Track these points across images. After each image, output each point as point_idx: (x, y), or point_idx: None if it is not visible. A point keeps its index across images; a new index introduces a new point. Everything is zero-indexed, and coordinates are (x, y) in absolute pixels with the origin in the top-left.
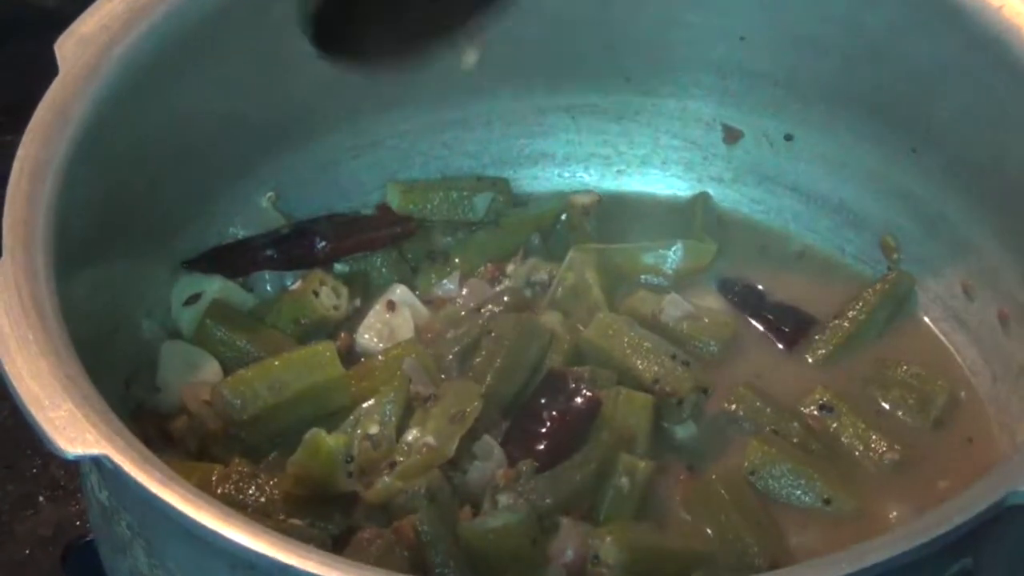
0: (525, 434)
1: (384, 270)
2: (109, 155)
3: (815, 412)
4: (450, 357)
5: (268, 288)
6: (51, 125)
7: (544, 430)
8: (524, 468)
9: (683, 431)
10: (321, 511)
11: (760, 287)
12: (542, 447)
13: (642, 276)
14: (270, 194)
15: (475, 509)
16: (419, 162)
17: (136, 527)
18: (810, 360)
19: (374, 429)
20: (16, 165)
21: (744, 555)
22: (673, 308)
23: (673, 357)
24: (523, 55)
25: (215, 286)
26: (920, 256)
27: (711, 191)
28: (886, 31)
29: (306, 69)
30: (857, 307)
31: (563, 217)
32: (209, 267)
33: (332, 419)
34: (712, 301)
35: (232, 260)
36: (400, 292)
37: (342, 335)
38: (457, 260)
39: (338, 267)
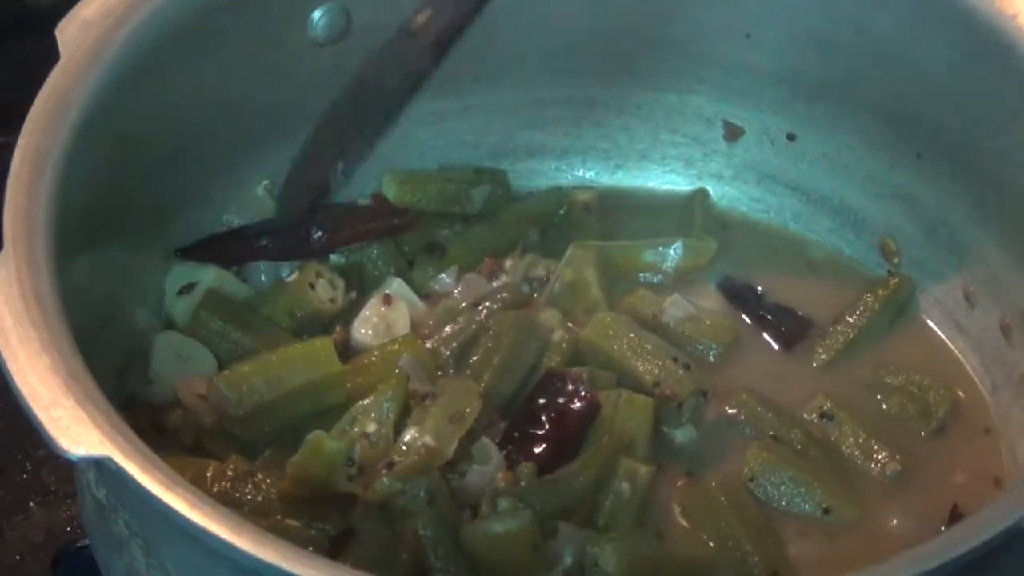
0: (523, 436)
1: (380, 262)
2: (108, 142)
3: (816, 419)
4: (447, 354)
5: (263, 278)
6: (52, 113)
7: (542, 432)
8: (525, 471)
9: (682, 435)
10: (318, 511)
11: (759, 288)
12: (540, 449)
13: (641, 274)
14: (266, 182)
15: (473, 511)
16: (416, 152)
17: (134, 526)
18: (811, 365)
19: (371, 427)
20: (16, 154)
21: (743, 563)
22: (675, 309)
23: (674, 359)
24: (523, 46)
25: (209, 276)
26: (921, 260)
27: (710, 188)
28: (895, 33)
29: (305, 57)
30: (858, 312)
31: (562, 212)
32: (204, 256)
33: (328, 416)
34: (711, 301)
35: (227, 249)
36: (396, 286)
37: (337, 329)
38: (454, 253)
39: (333, 258)
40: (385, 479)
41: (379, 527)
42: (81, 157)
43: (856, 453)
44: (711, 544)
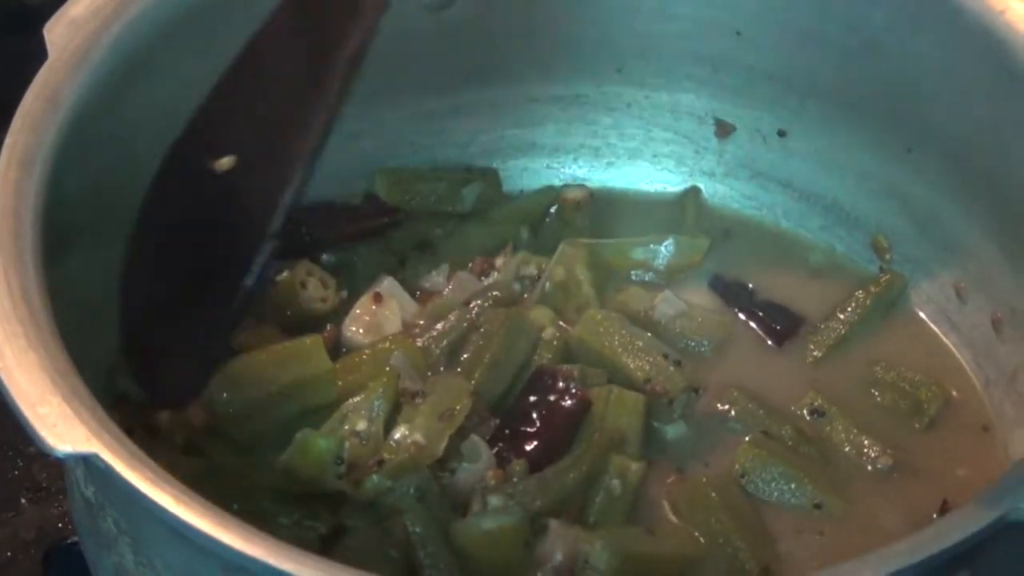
0: (514, 433)
1: (371, 261)
2: (98, 141)
3: (807, 415)
4: (438, 352)
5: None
6: (40, 112)
7: (533, 430)
8: (517, 468)
9: (673, 431)
10: (309, 509)
11: (750, 285)
12: (531, 447)
13: (633, 272)
14: None
15: (463, 510)
16: (407, 151)
17: (123, 524)
18: (804, 361)
19: (362, 425)
20: (4, 153)
21: (734, 559)
22: (666, 306)
23: (665, 356)
24: (514, 44)
25: None
26: (912, 257)
27: (702, 186)
28: (885, 29)
29: None
30: (850, 308)
31: (553, 211)
32: None
33: (318, 414)
34: (703, 298)
35: None
36: (387, 284)
37: (328, 328)
38: (445, 252)
39: (325, 257)
40: (375, 477)
41: (369, 525)
42: (70, 156)
43: (847, 448)
44: (702, 540)
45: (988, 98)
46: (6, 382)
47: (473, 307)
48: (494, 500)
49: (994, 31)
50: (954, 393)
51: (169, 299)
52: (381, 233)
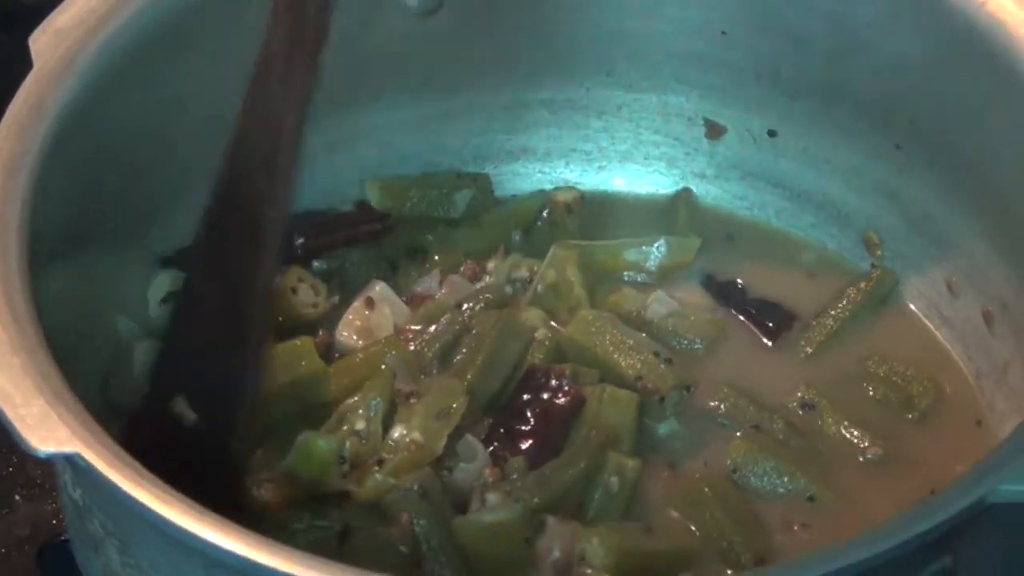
0: (509, 432)
1: (362, 267)
2: (84, 150)
3: (797, 409)
4: (430, 355)
5: None
6: (25, 120)
7: (528, 428)
8: (515, 466)
9: (665, 428)
10: (318, 510)
11: (741, 283)
12: (526, 445)
13: (625, 273)
14: None
15: (464, 508)
16: (398, 157)
17: (109, 526)
18: (796, 357)
19: (361, 425)
20: None
21: (729, 552)
22: (659, 305)
23: (656, 354)
24: (503, 49)
25: None
26: (904, 253)
27: (693, 187)
28: (870, 26)
29: None
30: (841, 304)
31: (544, 214)
32: (186, 264)
33: (314, 415)
34: (696, 297)
35: None
36: (380, 289)
37: (320, 333)
38: (437, 257)
39: (316, 264)
40: (378, 475)
41: (374, 523)
42: (56, 164)
43: (837, 439)
44: (697, 535)
45: (974, 93)
46: None
47: (465, 310)
48: (492, 497)
49: (977, 24)
50: (947, 388)
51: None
52: (372, 239)
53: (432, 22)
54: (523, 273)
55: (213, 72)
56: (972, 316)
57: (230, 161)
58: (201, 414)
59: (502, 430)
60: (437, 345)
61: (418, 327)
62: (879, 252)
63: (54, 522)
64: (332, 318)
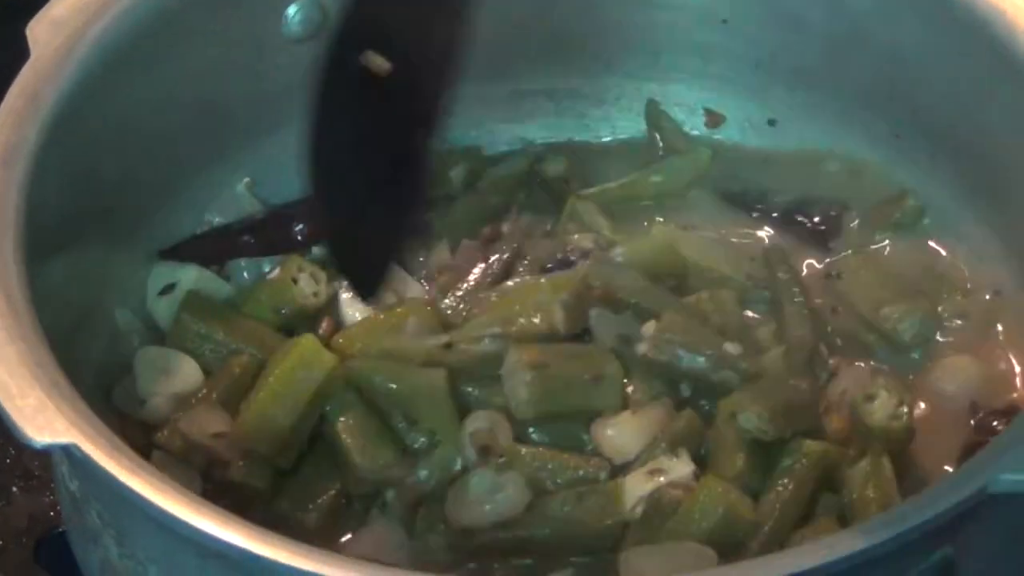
0: None
1: None
2: (81, 140)
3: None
4: (461, 307)
5: (245, 275)
6: (22, 110)
7: None
8: None
9: None
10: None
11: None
12: None
13: (646, 193)
14: (246, 180)
15: None
16: None
17: (106, 517)
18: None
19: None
20: None
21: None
22: None
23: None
24: (502, 38)
25: (190, 275)
26: None
27: None
28: (869, 13)
29: (282, 53)
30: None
31: (541, 173)
32: (185, 256)
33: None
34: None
35: (209, 248)
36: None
37: (325, 322)
38: (441, 230)
39: (316, 250)
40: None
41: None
42: (53, 154)
43: None
44: None
45: (974, 81)
46: None
47: (493, 261)
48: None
49: (976, 11)
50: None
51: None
52: None
53: None
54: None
55: (211, 62)
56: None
57: None
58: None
59: None
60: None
61: (434, 298)
62: None
63: (52, 514)
64: (333, 306)
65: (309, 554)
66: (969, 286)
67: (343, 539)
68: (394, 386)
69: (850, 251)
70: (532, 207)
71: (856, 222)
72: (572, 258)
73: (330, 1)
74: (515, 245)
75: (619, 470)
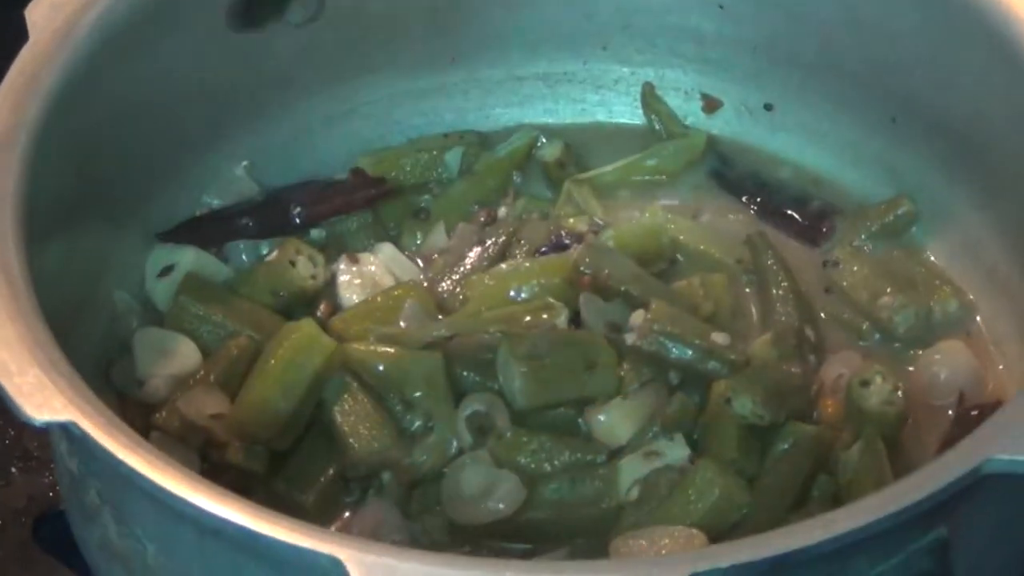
0: None
1: (360, 234)
2: (80, 123)
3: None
4: (457, 291)
5: (244, 258)
6: (21, 91)
7: None
8: None
9: None
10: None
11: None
12: None
13: (640, 177)
14: (245, 163)
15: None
16: (395, 131)
17: (105, 495)
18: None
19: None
20: None
21: None
22: None
23: None
24: (500, 23)
25: (189, 257)
26: None
27: None
28: None
29: (281, 37)
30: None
31: (537, 157)
32: (184, 238)
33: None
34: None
35: (207, 230)
36: (388, 250)
37: (322, 304)
38: (438, 213)
39: (314, 233)
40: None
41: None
42: (51, 136)
43: None
44: None
45: (969, 66)
46: None
47: (489, 244)
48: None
49: None
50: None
51: None
52: (369, 205)
53: None
54: (535, 215)
55: (209, 45)
56: (967, 286)
57: None
58: None
59: None
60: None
61: (435, 280)
62: None
63: (51, 494)
64: (331, 289)
65: (306, 531)
66: (960, 278)
67: (340, 520)
68: (391, 369)
69: (846, 244)
70: (529, 191)
71: (848, 222)
72: (566, 241)
73: None
74: (511, 228)
75: (615, 455)
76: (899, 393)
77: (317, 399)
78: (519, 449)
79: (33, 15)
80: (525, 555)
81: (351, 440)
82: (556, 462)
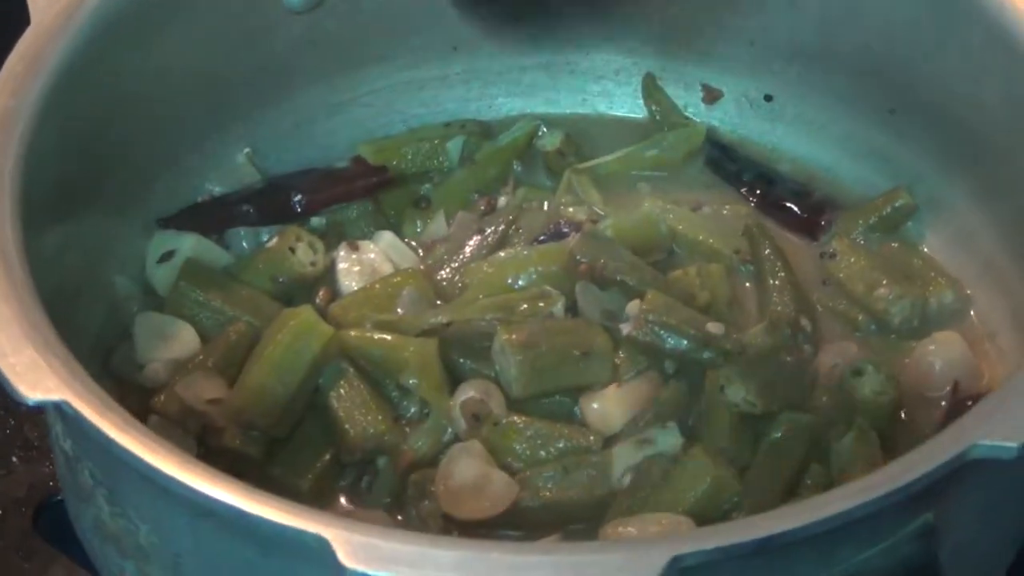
0: None
1: (361, 222)
2: (81, 107)
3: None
4: (456, 279)
5: (244, 244)
6: (21, 76)
7: None
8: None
9: None
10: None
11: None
12: None
13: (640, 167)
14: (247, 150)
15: None
16: (397, 119)
17: (98, 475)
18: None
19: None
20: None
21: None
22: None
23: None
24: (502, 13)
25: (189, 243)
26: None
27: None
28: None
29: (283, 25)
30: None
31: (538, 147)
32: (185, 224)
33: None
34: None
35: (208, 217)
36: (388, 238)
37: (322, 291)
38: (438, 201)
39: (314, 220)
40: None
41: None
42: (52, 120)
43: None
44: None
45: (967, 57)
46: None
47: (488, 233)
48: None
49: None
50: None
51: None
52: (370, 194)
53: None
54: (535, 204)
55: (212, 32)
56: (963, 278)
57: None
58: None
59: None
60: (458, 277)
61: (434, 267)
62: None
63: (51, 484)
64: (330, 276)
65: (294, 511)
66: (956, 270)
67: (336, 506)
68: (387, 356)
69: (843, 236)
70: (529, 180)
71: (847, 215)
72: (565, 230)
73: None
74: (511, 217)
75: (609, 443)
76: (891, 383)
77: (315, 385)
78: (514, 436)
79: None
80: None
81: (347, 426)
82: (551, 449)
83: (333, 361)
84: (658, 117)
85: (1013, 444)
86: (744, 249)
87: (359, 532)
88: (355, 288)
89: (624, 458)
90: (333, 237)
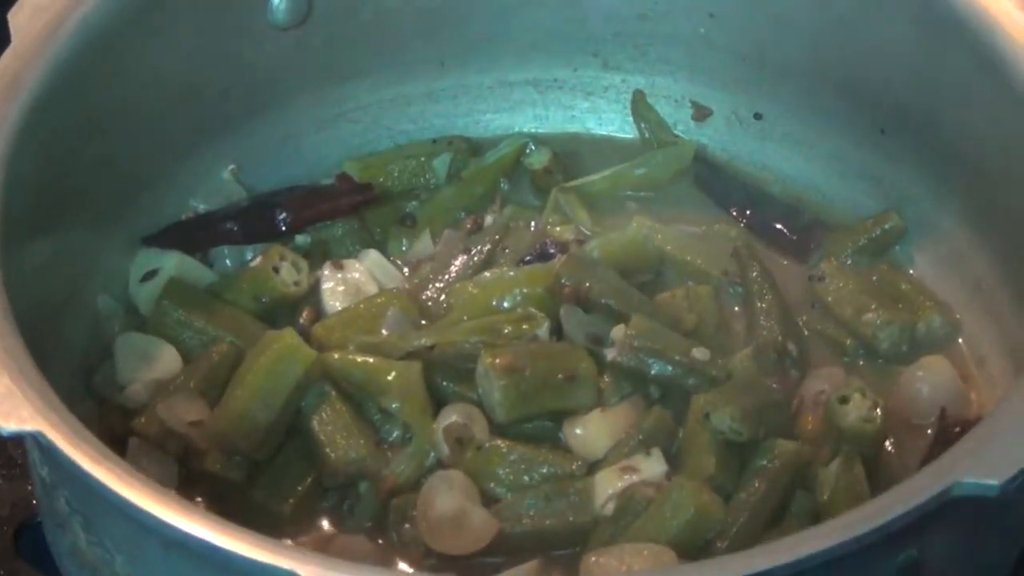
0: None
1: (346, 240)
2: (63, 124)
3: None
4: (441, 299)
5: (228, 263)
6: (2, 94)
7: None
8: None
9: None
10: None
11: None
12: None
13: (628, 187)
14: (232, 167)
15: None
16: (384, 135)
17: (74, 503)
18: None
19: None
20: None
21: None
22: None
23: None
24: (490, 28)
25: (173, 262)
26: None
27: None
28: (855, 9)
29: (267, 41)
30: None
31: (525, 165)
32: (169, 243)
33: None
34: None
35: (192, 235)
36: (373, 256)
37: (305, 311)
38: (424, 219)
39: (299, 239)
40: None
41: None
42: (31, 139)
43: None
44: None
45: (956, 78)
46: None
47: (474, 252)
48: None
49: (958, 9)
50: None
51: None
52: (355, 211)
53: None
54: (522, 223)
55: (196, 49)
56: (954, 301)
57: None
58: None
59: None
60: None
61: (420, 286)
62: None
63: (33, 502)
64: (315, 296)
65: (266, 546)
66: (945, 294)
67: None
68: (369, 379)
69: (831, 259)
70: (516, 199)
71: (836, 237)
72: (551, 250)
73: None
74: (497, 236)
75: (593, 468)
76: (877, 411)
77: (296, 408)
78: (497, 460)
79: (15, 19)
80: (497, 568)
81: (327, 450)
82: (534, 474)
83: (316, 384)
84: (647, 134)
85: (995, 482)
86: (733, 271)
87: (331, 568)
88: (339, 308)
89: (606, 485)
90: (318, 255)
